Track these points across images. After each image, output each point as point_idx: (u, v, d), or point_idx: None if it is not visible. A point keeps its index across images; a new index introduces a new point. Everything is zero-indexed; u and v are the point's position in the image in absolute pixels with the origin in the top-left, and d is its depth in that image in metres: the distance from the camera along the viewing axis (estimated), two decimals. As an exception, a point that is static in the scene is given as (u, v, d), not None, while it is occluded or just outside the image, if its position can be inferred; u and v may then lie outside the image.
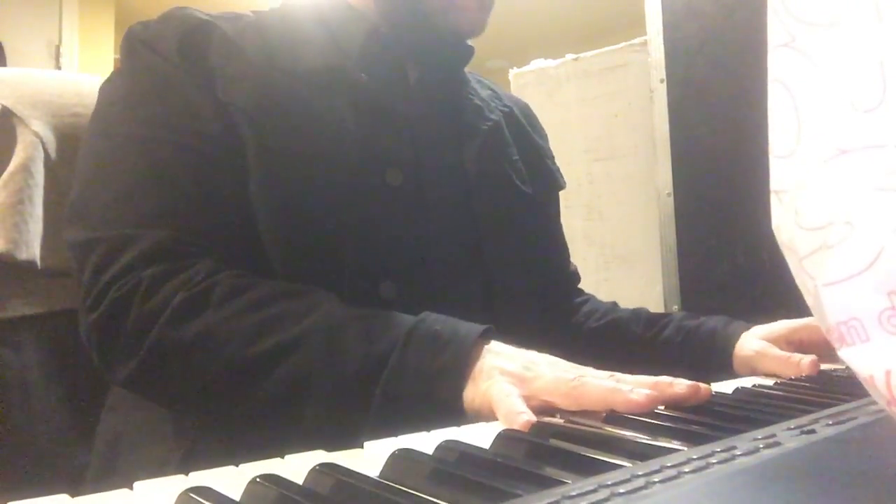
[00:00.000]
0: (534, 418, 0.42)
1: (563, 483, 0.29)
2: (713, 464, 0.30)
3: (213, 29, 0.67)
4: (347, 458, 0.35)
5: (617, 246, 1.83)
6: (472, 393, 0.49)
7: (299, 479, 0.32)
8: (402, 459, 0.34)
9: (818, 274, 0.29)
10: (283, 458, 0.36)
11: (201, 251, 0.60)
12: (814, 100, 0.29)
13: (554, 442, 0.37)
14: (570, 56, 1.99)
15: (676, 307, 1.63)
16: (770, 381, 0.60)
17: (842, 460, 0.32)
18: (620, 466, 0.31)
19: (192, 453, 0.59)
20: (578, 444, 0.36)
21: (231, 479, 0.31)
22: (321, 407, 0.52)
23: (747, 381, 0.59)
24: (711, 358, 0.77)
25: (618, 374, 0.48)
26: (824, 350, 0.73)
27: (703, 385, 0.46)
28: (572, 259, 0.97)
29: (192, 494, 0.29)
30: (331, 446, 0.38)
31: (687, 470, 0.29)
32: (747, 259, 1.52)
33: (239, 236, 0.62)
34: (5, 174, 0.74)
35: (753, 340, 0.75)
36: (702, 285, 1.61)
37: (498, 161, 0.79)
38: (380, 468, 0.34)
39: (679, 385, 0.46)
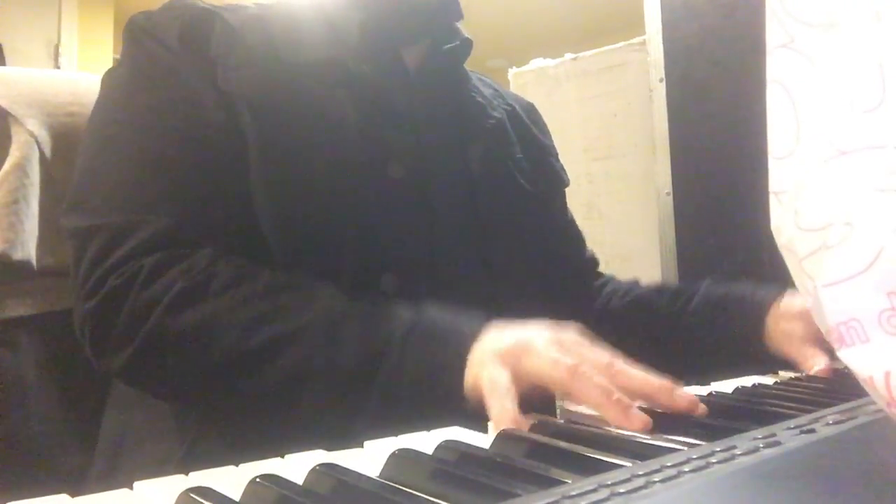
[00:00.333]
0: (523, 424, 0.42)
1: (563, 482, 0.29)
2: (713, 463, 0.30)
3: (215, 18, 0.67)
4: (347, 458, 0.35)
5: (616, 245, 1.83)
6: (469, 381, 0.49)
7: (299, 478, 0.32)
8: (402, 459, 0.34)
9: (818, 275, 0.29)
10: (283, 457, 0.36)
11: (202, 239, 0.60)
12: (813, 100, 0.29)
13: (554, 441, 0.37)
14: (569, 55, 1.99)
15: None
16: (770, 381, 0.60)
17: (841, 460, 0.32)
18: (620, 466, 0.31)
19: (194, 451, 0.59)
20: (578, 443, 0.36)
21: (231, 478, 0.31)
22: (319, 400, 0.52)
23: (747, 381, 0.59)
24: (743, 328, 0.73)
25: (619, 366, 0.46)
26: None
27: (701, 405, 0.45)
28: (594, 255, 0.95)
29: (192, 494, 0.29)
30: (328, 440, 0.38)
31: (687, 469, 0.29)
32: (747, 258, 1.52)
33: (240, 225, 0.62)
34: (0, 174, 0.74)
35: (787, 321, 0.70)
36: (701, 285, 1.61)
37: (502, 159, 0.79)
38: (380, 468, 0.34)
39: (679, 396, 0.45)
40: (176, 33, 0.65)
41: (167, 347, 0.56)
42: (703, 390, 0.54)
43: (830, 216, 0.28)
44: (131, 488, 0.31)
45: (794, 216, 0.30)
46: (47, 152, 0.77)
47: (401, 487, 0.31)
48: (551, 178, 0.87)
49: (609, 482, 0.28)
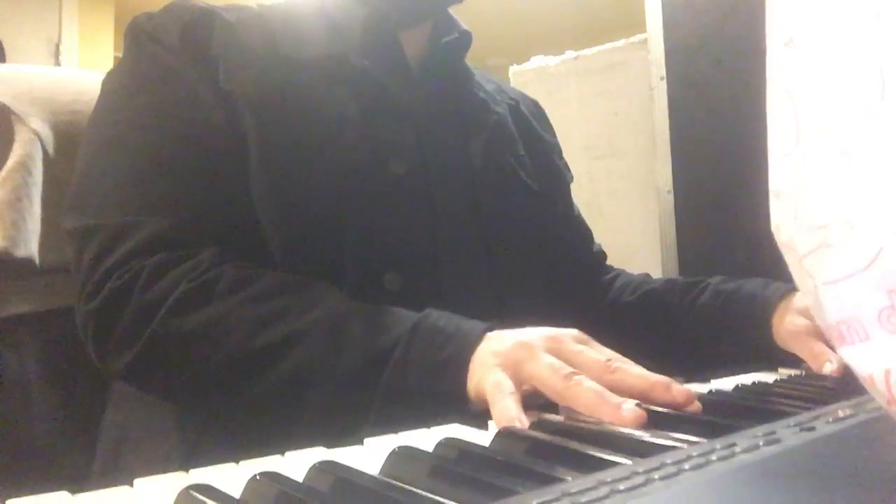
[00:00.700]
0: (525, 423, 0.42)
1: (563, 480, 0.29)
2: (713, 461, 0.30)
3: (215, 18, 0.67)
4: (347, 456, 0.35)
5: (617, 244, 1.83)
6: (472, 383, 0.49)
7: (299, 476, 0.32)
8: (402, 456, 0.34)
9: (817, 273, 0.29)
10: (283, 455, 0.36)
11: (202, 240, 0.60)
12: (813, 99, 0.29)
13: (554, 439, 0.37)
14: (570, 54, 1.98)
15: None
16: (770, 378, 0.60)
17: (841, 458, 0.32)
18: (621, 463, 0.31)
19: (195, 449, 0.59)
20: (578, 440, 0.36)
21: (231, 476, 0.32)
22: (323, 400, 0.52)
23: (747, 379, 0.59)
24: (751, 324, 0.74)
25: (616, 364, 0.47)
26: None
27: (696, 402, 0.45)
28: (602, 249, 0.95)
29: (192, 492, 0.29)
30: (332, 440, 0.38)
31: (687, 467, 0.29)
32: (747, 257, 1.52)
33: (240, 226, 0.62)
34: (3, 171, 0.74)
35: (794, 317, 0.70)
36: (701, 283, 1.61)
37: (504, 155, 0.79)
38: (380, 465, 0.34)
39: (677, 391, 0.45)
40: (177, 34, 0.65)
41: (171, 349, 0.56)
42: (704, 388, 0.54)
43: (830, 214, 0.28)
44: (132, 486, 0.31)
45: (793, 214, 0.30)
46: (50, 150, 0.77)
47: (401, 485, 0.31)
48: (554, 175, 0.87)
49: (609, 479, 0.28)
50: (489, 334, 0.51)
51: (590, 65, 1.94)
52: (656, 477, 0.28)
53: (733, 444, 0.33)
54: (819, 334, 0.67)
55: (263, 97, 0.64)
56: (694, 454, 0.31)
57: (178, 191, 0.61)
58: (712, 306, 0.79)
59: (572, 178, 0.90)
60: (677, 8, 1.69)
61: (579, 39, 2.57)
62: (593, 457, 0.33)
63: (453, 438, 0.37)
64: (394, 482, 0.31)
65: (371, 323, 0.54)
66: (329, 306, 0.55)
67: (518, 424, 0.41)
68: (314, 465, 0.32)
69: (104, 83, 0.69)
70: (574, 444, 0.35)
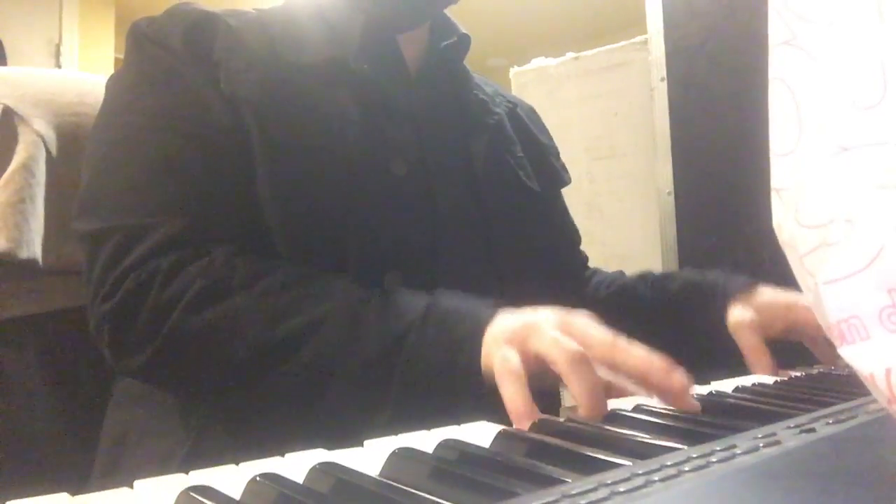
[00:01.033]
0: (535, 409, 0.43)
1: (563, 482, 0.29)
2: (713, 462, 0.30)
3: (218, 22, 0.68)
4: (347, 457, 0.35)
5: (617, 245, 1.83)
6: (483, 361, 0.50)
7: (299, 477, 0.32)
8: (402, 458, 0.34)
9: (818, 272, 0.29)
10: (283, 456, 0.36)
11: (214, 240, 0.60)
12: (815, 97, 0.29)
13: (554, 440, 0.37)
14: (570, 55, 1.99)
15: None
16: (770, 380, 0.60)
17: (842, 459, 0.32)
18: (621, 465, 0.31)
19: (196, 450, 0.59)
20: (579, 442, 0.36)
21: (231, 477, 0.31)
22: (344, 386, 0.53)
23: (747, 380, 0.59)
24: (712, 312, 0.75)
25: (621, 345, 0.48)
26: (816, 337, 0.72)
27: (693, 401, 0.46)
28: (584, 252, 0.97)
29: (192, 493, 0.29)
30: (346, 433, 0.39)
31: (687, 469, 0.29)
32: (748, 257, 1.52)
33: (248, 226, 0.63)
34: (6, 173, 0.74)
35: (744, 309, 0.72)
36: (702, 284, 1.61)
37: (504, 156, 0.80)
38: (380, 467, 0.34)
39: (677, 379, 0.45)
40: (179, 38, 0.66)
41: (189, 345, 0.57)
42: (704, 389, 0.54)
43: (831, 213, 0.28)
44: (132, 487, 0.31)
45: (795, 213, 0.30)
46: (53, 152, 0.77)
47: (401, 486, 0.31)
48: (552, 177, 0.87)
49: (609, 481, 0.28)
50: (499, 313, 0.52)
51: (590, 66, 1.94)
52: (656, 478, 0.28)
53: (733, 446, 0.33)
54: (761, 329, 0.70)
55: (265, 101, 0.64)
56: (694, 456, 0.31)
57: (190, 191, 0.62)
58: (678, 295, 0.81)
59: (570, 179, 0.91)
60: (678, 9, 1.69)
61: (580, 40, 2.57)
62: (593, 458, 0.33)
63: (453, 440, 0.37)
64: (394, 484, 0.31)
65: (386, 308, 0.55)
66: (344, 295, 0.57)
67: (527, 408, 0.43)
68: (314, 466, 0.32)
69: (108, 86, 0.69)
70: (574, 446, 0.35)
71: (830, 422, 0.37)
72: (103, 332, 0.59)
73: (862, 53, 0.27)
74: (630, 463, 0.31)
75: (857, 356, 0.28)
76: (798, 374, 0.67)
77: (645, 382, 0.46)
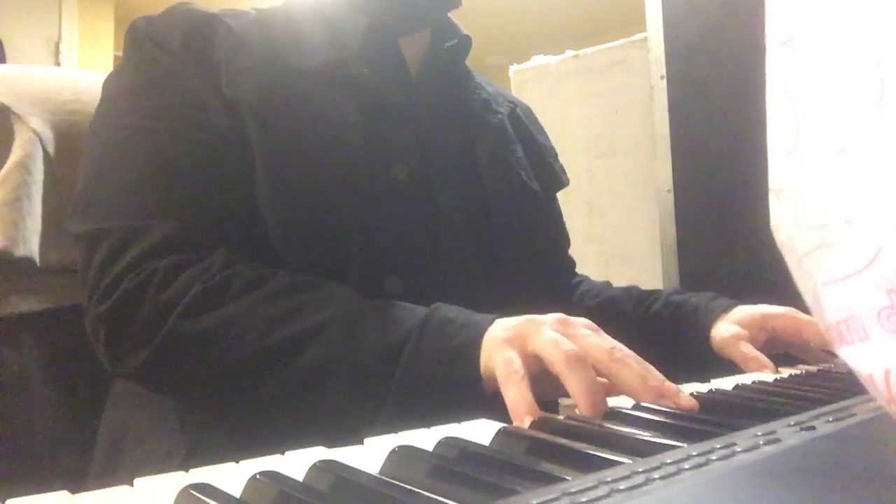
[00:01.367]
0: (537, 409, 0.43)
1: (563, 479, 0.29)
2: (713, 460, 0.30)
3: (218, 23, 0.67)
4: (348, 455, 0.35)
5: (617, 243, 1.83)
6: (484, 363, 0.50)
7: (300, 475, 0.32)
8: (402, 456, 0.34)
9: (817, 272, 0.29)
10: (283, 454, 0.36)
11: (212, 243, 0.60)
12: (812, 98, 0.29)
13: (554, 438, 0.37)
14: (570, 52, 1.98)
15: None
16: (770, 378, 0.60)
17: (841, 457, 0.32)
18: (620, 463, 0.31)
19: (196, 448, 0.59)
20: (579, 440, 0.36)
21: (231, 475, 0.31)
22: (341, 395, 0.53)
23: (747, 378, 0.59)
24: (693, 334, 0.78)
25: (620, 353, 0.48)
26: (796, 342, 0.73)
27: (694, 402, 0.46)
28: (572, 255, 0.98)
29: (192, 491, 0.29)
30: (337, 439, 0.39)
31: (687, 466, 0.29)
32: (747, 256, 1.52)
33: (246, 229, 0.62)
34: (3, 171, 0.74)
35: (727, 325, 0.75)
36: (702, 283, 1.61)
37: (507, 157, 0.79)
38: (380, 465, 0.34)
39: (671, 394, 0.46)
40: (179, 38, 0.65)
41: (186, 349, 0.56)
42: (704, 387, 0.54)
43: (830, 214, 0.28)
44: (132, 485, 0.31)
45: (793, 214, 0.30)
46: (50, 150, 0.77)
47: (401, 484, 0.31)
48: (550, 178, 0.87)
49: (609, 479, 0.28)
50: (498, 321, 0.52)
51: (590, 64, 1.94)
52: (656, 476, 0.28)
53: (733, 444, 0.33)
54: (749, 339, 0.72)
55: (266, 104, 0.64)
56: (694, 454, 0.31)
57: (187, 193, 0.61)
58: (661, 315, 0.83)
59: (568, 181, 0.91)
60: (678, 7, 1.69)
61: (579, 38, 2.57)
62: (593, 456, 0.33)
63: (453, 438, 0.37)
64: (394, 482, 0.31)
65: (384, 317, 0.55)
66: (342, 303, 0.56)
67: (530, 409, 0.43)
68: (314, 464, 0.32)
69: (105, 86, 0.68)
70: (574, 444, 0.35)
71: (830, 419, 0.38)
72: (99, 334, 0.59)
73: (859, 54, 0.27)
74: (630, 461, 0.31)
75: (856, 357, 0.28)
76: (797, 372, 0.67)
77: (636, 399, 0.46)
